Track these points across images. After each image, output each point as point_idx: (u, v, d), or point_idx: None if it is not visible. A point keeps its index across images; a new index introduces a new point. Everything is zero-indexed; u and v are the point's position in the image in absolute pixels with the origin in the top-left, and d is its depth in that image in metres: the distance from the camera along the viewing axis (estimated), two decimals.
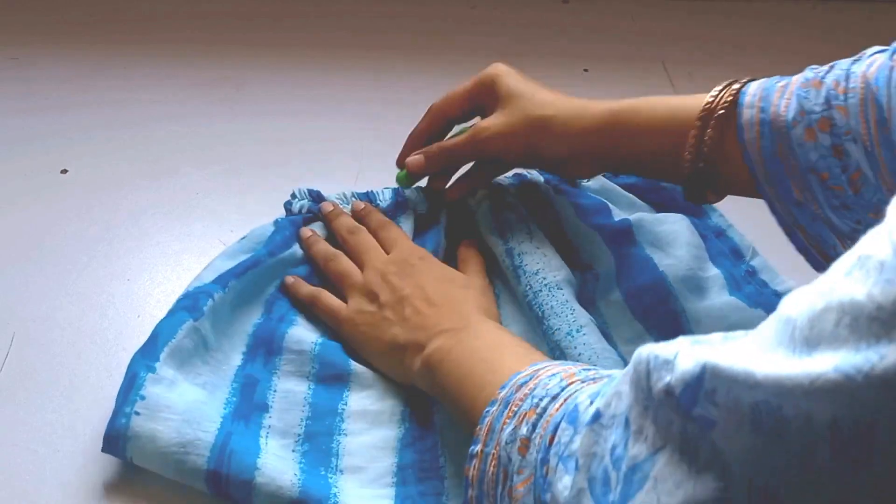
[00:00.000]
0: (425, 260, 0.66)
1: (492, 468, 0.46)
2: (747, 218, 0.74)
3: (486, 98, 0.68)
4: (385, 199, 0.73)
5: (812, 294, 0.31)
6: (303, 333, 0.63)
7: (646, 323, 0.66)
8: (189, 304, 0.61)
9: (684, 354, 0.35)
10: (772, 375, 0.30)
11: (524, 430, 0.44)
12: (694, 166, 0.59)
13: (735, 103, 0.58)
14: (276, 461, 0.54)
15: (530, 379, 0.48)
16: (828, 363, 0.29)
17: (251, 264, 0.66)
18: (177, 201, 0.78)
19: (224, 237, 0.71)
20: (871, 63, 0.53)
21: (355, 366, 0.62)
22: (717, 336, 0.36)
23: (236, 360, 0.62)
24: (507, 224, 0.70)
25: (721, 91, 0.59)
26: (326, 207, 0.71)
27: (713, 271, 0.69)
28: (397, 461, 0.57)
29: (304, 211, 0.72)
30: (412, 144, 0.72)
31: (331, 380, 0.61)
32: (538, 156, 0.67)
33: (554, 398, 0.45)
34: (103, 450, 0.55)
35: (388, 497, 0.55)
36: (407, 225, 0.71)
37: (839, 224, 0.55)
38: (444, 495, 0.55)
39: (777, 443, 0.31)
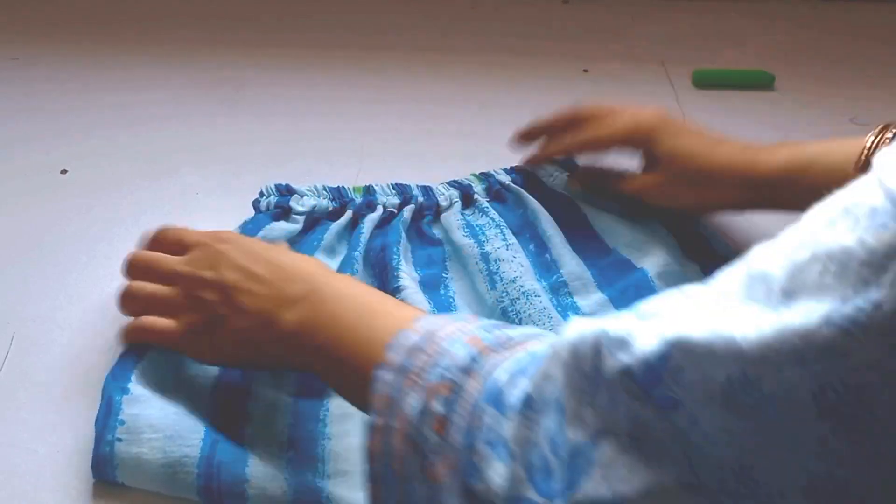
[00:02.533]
0: (230, 241, 0.59)
1: (399, 444, 0.42)
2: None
3: (640, 146, 0.70)
4: (357, 196, 0.73)
5: (790, 247, 0.30)
6: None
7: None
8: None
9: (642, 332, 0.33)
10: (753, 339, 0.29)
11: (439, 407, 0.41)
12: None
13: None
14: (265, 468, 0.54)
15: (425, 342, 0.44)
16: (811, 313, 0.28)
17: None
18: (177, 201, 0.78)
19: None
20: None
21: None
22: (653, 304, 0.35)
23: (213, 370, 0.62)
24: (479, 228, 0.71)
25: (876, 137, 0.60)
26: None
27: (691, 265, 0.69)
28: None
29: (271, 207, 0.72)
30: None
31: (310, 390, 0.60)
32: (706, 206, 0.70)
33: (466, 372, 0.42)
34: (94, 476, 0.55)
35: None
36: (373, 217, 0.71)
37: None
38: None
39: (753, 418, 0.30)
